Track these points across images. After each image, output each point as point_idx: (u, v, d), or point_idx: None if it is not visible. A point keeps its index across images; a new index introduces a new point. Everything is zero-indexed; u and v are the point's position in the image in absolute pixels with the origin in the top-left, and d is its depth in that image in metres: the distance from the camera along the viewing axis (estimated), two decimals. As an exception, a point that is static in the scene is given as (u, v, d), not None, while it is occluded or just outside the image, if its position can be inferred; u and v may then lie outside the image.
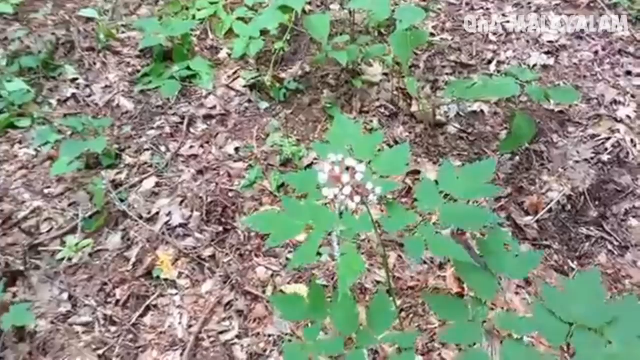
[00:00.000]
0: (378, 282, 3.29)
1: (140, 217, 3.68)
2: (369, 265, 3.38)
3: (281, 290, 3.32)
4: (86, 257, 3.51)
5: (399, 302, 3.19)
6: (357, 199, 1.52)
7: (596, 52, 4.85)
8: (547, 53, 4.78)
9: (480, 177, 2.04)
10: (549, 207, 3.70)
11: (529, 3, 5.27)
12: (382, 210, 3.35)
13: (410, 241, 1.94)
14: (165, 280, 3.42)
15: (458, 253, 1.85)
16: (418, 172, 3.95)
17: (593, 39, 4.95)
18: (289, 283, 3.37)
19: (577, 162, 3.97)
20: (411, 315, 3.18)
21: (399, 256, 3.44)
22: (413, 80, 3.97)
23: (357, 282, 3.21)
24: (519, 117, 3.66)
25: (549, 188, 3.81)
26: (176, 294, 3.37)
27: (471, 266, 1.94)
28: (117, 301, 3.34)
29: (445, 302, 2.01)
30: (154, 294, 3.37)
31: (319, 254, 3.48)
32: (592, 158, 3.98)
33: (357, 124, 2.18)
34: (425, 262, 3.42)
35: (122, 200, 3.78)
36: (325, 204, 1.52)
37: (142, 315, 3.30)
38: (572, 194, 3.77)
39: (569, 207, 3.73)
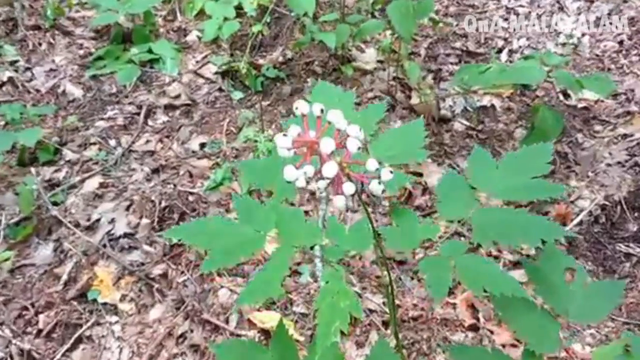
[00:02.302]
0: (372, 311, 2.60)
1: (78, 225, 2.97)
2: (360, 288, 2.69)
3: (248, 319, 2.62)
4: (5, 273, 2.80)
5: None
6: (349, 187, 0.84)
7: (621, 42, 4.22)
8: (564, 43, 4.13)
9: (531, 168, 1.36)
10: (579, 218, 3.03)
11: (543, -13, 4.64)
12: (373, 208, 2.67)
13: (430, 267, 1.25)
14: (104, 304, 2.72)
15: (509, 287, 1.17)
16: (419, 175, 3.28)
17: (617, 27, 4.32)
18: (259, 310, 2.67)
19: (609, 165, 3.31)
20: (414, 354, 2.50)
21: (398, 278, 2.75)
22: (415, 65, 3.30)
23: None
24: (543, 110, 3.00)
25: (579, 195, 3.14)
26: (116, 322, 2.67)
27: (522, 305, 1.26)
28: (40, 331, 2.63)
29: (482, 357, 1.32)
30: (87, 321, 2.67)
31: (297, 272, 2.80)
32: (626, 161, 3.31)
33: (347, 93, 1.50)
34: (430, 286, 2.73)
35: (56, 204, 3.07)
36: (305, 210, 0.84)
37: (70, 349, 2.60)
38: (606, 202, 3.10)
39: (603, 218, 3.07)
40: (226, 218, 1.30)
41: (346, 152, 0.86)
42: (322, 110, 0.85)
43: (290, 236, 1.26)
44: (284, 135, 0.80)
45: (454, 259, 1.26)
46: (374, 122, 1.44)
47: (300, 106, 0.84)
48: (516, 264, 2.75)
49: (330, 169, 0.80)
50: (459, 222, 1.33)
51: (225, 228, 1.26)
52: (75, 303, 2.71)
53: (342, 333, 2.38)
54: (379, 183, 0.88)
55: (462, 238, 2.60)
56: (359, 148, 0.83)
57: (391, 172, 0.88)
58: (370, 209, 2.85)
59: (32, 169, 3.18)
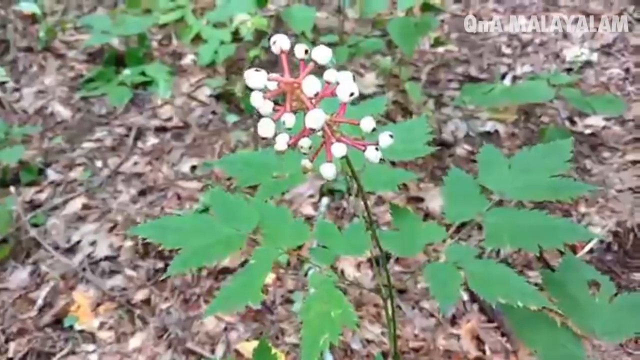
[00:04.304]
0: (369, 342, 2.40)
1: (57, 248, 2.79)
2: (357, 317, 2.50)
3: (236, 350, 2.42)
4: (-24, 298, 2.61)
5: (397, 370, 2.30)
6: (339, 149, 0.68)
7: (627, 70, 4.11)
8: (571, 64, 4.03)
9: (548, 165, 1.20)
10: (590, 245, 2.85)
11: (546, 15, 4.56)
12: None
13: (435, 274, 1.08)
14: (81, 331, 2.52)
15: (532, 298, 1.00)
16: (420, 200, 3.12)
17: (623, 54, 4.22)
18: (247, 340, 2.47)
19: (620, 191, 3.15)
20: (415, 388, 2.29)
21: (398, 307, 2.56)
22: (416, 86, 3.17)
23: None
24: (551, 132, 2.87)
25: (589, 222, 2.97)
26: (93, 351, 2.46)
27: (542, 321, 1.09)
28: (10, 359, 2.42)
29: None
30: (62, 349, 2.46)
31: (289, 301, 2.61)
32: (637, 187, 3.16)
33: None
34: (432, 315, 2.55)
35: (37, 226, 2.90)
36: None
37: (42, 380, 2.39)
38: (618, 229, 2.93)
39: (616, 246, 2.89)
40: (201, 215, 1.14)
41: (338, 111, 0.71)
42: (306, 52, 0.70)
43: (275, 236, 1.09)
44: (257, 70, 0.64)
45: (463, 265, 1.09)
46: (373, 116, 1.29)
47: (278, 40, 0.69)
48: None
49: (316, 118, 0.64)
50: (468, 224, 1.17)
51: (199, 226, 1.10)
52: (49, 330, 2.51)
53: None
54: (378, 152, 0.72)
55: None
56: (351, 94, 0.67)
57: (391, 136, 0.72)
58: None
59: (12, 189, 3.02)
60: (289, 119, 0.67)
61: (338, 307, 0.98)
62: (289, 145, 0.69)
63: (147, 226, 1.10)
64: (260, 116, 0.68)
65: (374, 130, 0.72)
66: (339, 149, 0.69)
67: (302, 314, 0.99)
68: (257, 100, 0.67)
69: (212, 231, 1.08)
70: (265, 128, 0.68)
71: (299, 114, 0.71)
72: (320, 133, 0.71)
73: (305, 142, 0.69)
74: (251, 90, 2.38)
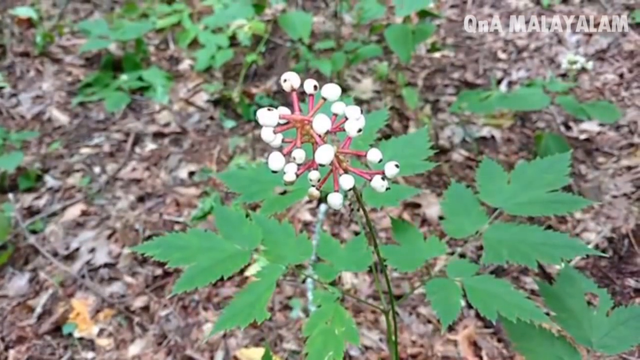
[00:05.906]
0: (368, 348, 2.42)
1: (56, 255, 2.80)
2: (355, 324, 2.51)
3: (235, 357, 2.44)
4: (-25, 305, 2.61)
5: (395, 377, 2.31)
6: (347, 180, 0.70)
7: (621, 75, 4.14)
8: (567, 71, 4.06)
9: (546, 180, 1.22)
10: (585, 251, 2.88)
11: (540, 21, 4.59)
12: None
13: (436, 289, 1.10)
14: (80, 339, 2.53)
15: (527, 312, 1.01)
16: (417, 206, 3.14)
17: (617, 60, 4.25)
18: (246, 347, 2.49)
19: (614, 197, 3.18)
20: (412, 395, 2.31)
21: (395, 312, 2.58)
22: (413, 91, 3.18)
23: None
24: (547, 138, 2.88)
25: (584, 228, 3.00)
26: (92, 359, 2.47)
27: (539, 334, 1.11)
28: (9, 367, 2.43)
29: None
30: (61, 357, 2.47)
31: (288, 307, 2.62)
32: (632, 192, 3.19)
33: (346, 99, 1.36)
34: (429, 321, 2.57)
35: (35, 232, 2.90)
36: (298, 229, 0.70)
37: (42, 388, 2.39)
38: (613, 235, 2.96)
39: (611, 251, 2.92)
40: (206, 232, 1.15)
41: (344, 141, 0.72)
42: (315, 87, 0.72)
43: (278, 253, 1.11)
44: (269, 109, 0.66)
45: (463, 281, 1.11)
46: (375, 131, 1.31)
47: (289, 78, 0.71)
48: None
49: (325, 154, 0.66)
50: (467, 240, 1.18)
51: (204, 243, 1.11)
52: (48, 337, 2.52)
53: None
54: (383, 179, 0.74)
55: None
56: (359, 130, 0.69)
57: (396, 165, 0.74)
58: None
59: (11, 196, 3.02)
60: (299, 155, 0.69)
61: (341, 324, 1.00)
62: (297, 176, 0.71)
63: (153, 244, 1.11)
64: (260, 125, 0.70)
65: (380, 161, 0.73)
66: (347, 181, 0.70)
67: (306, 331, 1.01)
68: (268, 135, 0.68)
69: (218, 249, 1.09)
70: (276, 161, 0.70)
71: (305, 144, 0.72)
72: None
73: (314, 175, 0.71)
74: (250, 105, 2.37)
